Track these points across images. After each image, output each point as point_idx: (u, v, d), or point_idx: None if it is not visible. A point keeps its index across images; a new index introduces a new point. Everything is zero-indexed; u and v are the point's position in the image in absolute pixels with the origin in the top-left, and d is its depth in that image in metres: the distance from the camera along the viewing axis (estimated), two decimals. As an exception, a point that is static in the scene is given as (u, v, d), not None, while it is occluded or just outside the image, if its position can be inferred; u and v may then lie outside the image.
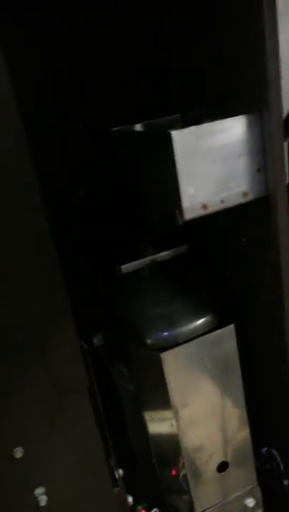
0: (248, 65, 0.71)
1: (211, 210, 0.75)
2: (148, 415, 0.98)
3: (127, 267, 0.97)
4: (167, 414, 0.95)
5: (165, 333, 0.91)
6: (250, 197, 0.77)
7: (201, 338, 0.90)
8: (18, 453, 0.75)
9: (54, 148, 1.12)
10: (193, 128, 0.71)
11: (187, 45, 0.86)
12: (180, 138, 0.70)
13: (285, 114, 0.75)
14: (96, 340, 1.06)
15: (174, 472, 1.03)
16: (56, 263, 0.69)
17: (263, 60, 0.68)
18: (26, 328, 0.69)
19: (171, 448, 0.99)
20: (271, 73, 0.69)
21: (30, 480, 0.79)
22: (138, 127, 0.94)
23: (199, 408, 0.96)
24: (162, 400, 0.93)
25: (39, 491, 0.80)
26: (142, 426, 0.99)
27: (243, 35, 0.71)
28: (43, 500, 0.80)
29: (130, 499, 0.96)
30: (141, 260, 0.98)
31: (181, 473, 1.01)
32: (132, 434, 1.00)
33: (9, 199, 0.65)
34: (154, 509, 1.08)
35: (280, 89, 0.71)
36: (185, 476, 1.00)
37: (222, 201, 0.76)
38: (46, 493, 0.80)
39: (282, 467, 1.02)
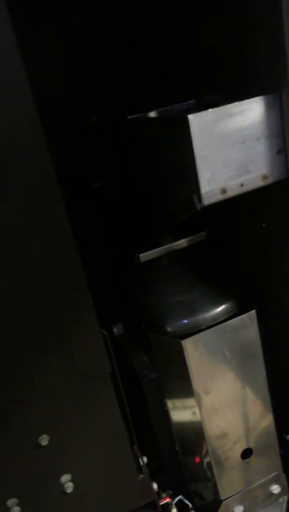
0: (265, 45, 0.69)
1: (230, 194, 0.74)
2: (170, 403, 0.98)
3: (145, 256, 0.96)
4: (190, 401, 0.95)
5: (185, 321, 0.90)
6: (270, 180, 0.76)
7: (222, 325, 0.90)
8: (44, 440, 0.76)
9: (69, 141, 1.13)
10: (210, 111, 0.70)
11: (202, 27, 0.84)
12: (197, 121, 0.69)
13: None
14: (116, 329, 1.07)
15: (197, 459, 1.03)
16: (77, 253, 0.70)
17: (280, 39, 0.66)
18: (50, 317, 0.70)
19: (194, 435, 0.99)
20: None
21: (56, 467, 0.80)
22: (153, 114, 0.93)
23: (222, 395, 0.95)
24: (185, 388, 0.93)
25: (65, 478, 0.81)
26: (165, 414, 0.99)
27: (260, 14, 0.69)
28: (69, 487, 0.81)
29: (155, 486, 0.97)
30: (159, 248, 0.97)
31: (205, 461, 1.01)
32: (155, 422, 1.00)
33: (30, 192, 0.65)
34: (179, 496, 1.08)
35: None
36: (209, 464, 1.00)
37: (241, 185, 0.75)
38: (72, 480, 0.81)
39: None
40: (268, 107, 0.72)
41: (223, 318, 0.90)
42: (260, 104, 0.71)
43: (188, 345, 0.88)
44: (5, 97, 0.61)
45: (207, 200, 0.73)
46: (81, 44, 1.11)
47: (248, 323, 0.91)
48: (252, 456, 1.02)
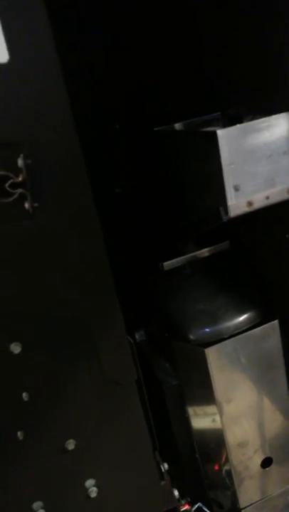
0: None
1: (256, 206, 0.76)
2: (192, 410, 0.99)
3: (169, 264, 0.98)
4: (211, 409, 0.96)
5: (208, 329, 0.92)
6: (295, 193, 0.77)
7: (244, 334, 0.91)
8: (71, 445, 0.78)
9: (91, 147, 1.15)
10: (238, 126, 0.71)
11: (229, 40, 0.86)
12: (225, 136, 0.70)
13: None
14: (138, 336, 1.08)
15: (217, 467, 1.04)
16: (106, 257, 0.71)
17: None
18: (78, 323, 0.72)
19: (214, 443, 1.00)
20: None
21: (81, 472, 0.81)
22: (178, 126, 0.95)
23: (243, 404, 0.96)
24: (206, 395, 0.94)
25: (90, 482, 0.82)
26: (186, 421, 1.00)
27: (284, 28, 0.71)
28: (93, 491, 0.83)
29: (176, 493, 0.98)
30: (183, 257, 0.99)
31: (225, 469, 1.02)
32: (176, 429, 1.01)
33: (63, 198, 0.67)
34: (198, 504, 1.09)
35: None
36: (229, 472, 1.01)
37: (267, 198, 0.76)
38: (96, 485, 0.82)
39: None
40: (295, 123, 0.73)
41: (245, 328, 0.91)
42: (287, 120, 0.73)
43: (211, 353, 0.89)
44: (44, 101, 0.63)
45: (233, 212, 0.75)
46: (108, 52, 1.14)
47: (271, 333, 0.92)
48: (272, 465, 1.03)
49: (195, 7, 0.93)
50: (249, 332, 0.91)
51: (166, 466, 0.96)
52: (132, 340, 0.78)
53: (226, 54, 0.87)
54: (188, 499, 1.08)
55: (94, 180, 1.10)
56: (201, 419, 1.00)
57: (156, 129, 0.93)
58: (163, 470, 0.94)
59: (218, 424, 0.97)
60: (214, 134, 0.70)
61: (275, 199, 0.77)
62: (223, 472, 1.03)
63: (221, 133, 0.70)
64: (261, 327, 0.91)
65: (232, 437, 0.98)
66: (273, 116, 0.72)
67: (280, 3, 0.70)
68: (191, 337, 0.91)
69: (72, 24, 1.04)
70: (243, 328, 0.91)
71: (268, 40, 0.74)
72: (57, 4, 0.94)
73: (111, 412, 0.79)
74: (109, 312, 0.74)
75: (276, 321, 0.91)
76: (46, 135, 0.64)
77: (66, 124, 0.65)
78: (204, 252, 1.00)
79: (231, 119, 0.92)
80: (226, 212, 0.75)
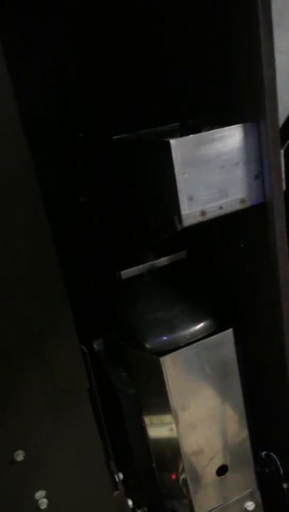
0: (245, 75, 0.73)
1: (209, 216, 0.77)
2: (148, 419, 0.99)
3: (127, 273, 0.98)
4: (167, 418, 0.96)
5: (164, 338, 0.92)
6: (247, 204, 0.79)
7: (200, 342, 0.91)
8: (19, 456, 0.76)
9: (55, 156, 1.14)
10: (191, 136, 0.72)
11: (187, 55, 0.88)
12: (179, 146, 0.71)
13: (281, 122, 0.77)
14: (96, 345, 1.08)
15: (173, 476, 1.04)
16: (58, 268, 0.71)
17: (259, 70, 0.70)
18: (28, 331, 0.71)
19: (170, 452, 1.00)
20: (267, 83, 0.70)
21: (31, 483, 0.80)
22: (137, 136, 0.95)
23: (199, 412, 0.97)
24: (162, 404, 0.94)
25: (40, 494, 0.81)
26: (142, 430, 1.00)
27: (239, 47, 0.73)
28: (43, 503, 0.81)
29: (130, 503, 0.97)
30: (141, 266, 0.99)
31: (181, 477, 1.02)
32: (132, 438, 1.01)
33: (12, 206, 0.66)
34: (154, 513, 1.08)
35: (276, 99, 0.73)
36: (185, 480, 1.01)
37: (220, 208, 0.77)
38: (47, 497, 0.81)
39: (281, 471, 1.02)
40: (247, 135, 0.75)
41: (201, 336, 0.92)
42: (240, 132, 0.75)
43: (167, 362, 0.89)
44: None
45: (187, 221, 0.76)
46: (71, 59, 1.14)
47: (226, 341, 0.93)
48: (227, 473, 1.03)
49: (159, 20, 0.94)
50: (204, 340, 0.91)
51: (120, 476, 0.95)
52: (85, 349, 0.77)
53: (188, 65, 0.89)
54: (145, 509, 1.08)
55: (58, 188, 1.10)
56: (158, 428, 0.99)
57: (114, 137, 0.94)
58: (117, 480, 0.93)
59: (174, 433, 0.97)
60: (168, 144, 0.71)
61: (228, 209, 0.78)
62: (180, 481, 1.03)
63: (174, 142, 0.71)
64: (216, 335, 0.92)
65: (188, 446, 0.98)
66: (226, 128, 0.74)
67: (236, 21, 0.71)
68: (147, 345, 0.91)
69: (35, 31, 1.04)
70: (199, 337, 0.92)
71: (228, 54, 0.76)
72: (21, 12, 0.94)
73: (62, 422, 0.77)
74: (61, 321, 0.73)
75: (230, 330, 0.93)
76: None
77: (15, 135, 0.64)
78: (162, 260, 1.00)
79: (190, 130, 0.94)
80: (180, 221, 0.75)
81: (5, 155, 0.65)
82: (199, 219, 0.76)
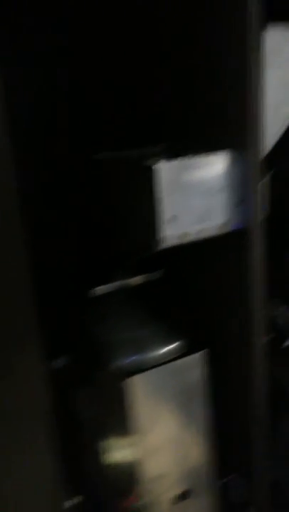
0: (234, 107, 0.74)
1: (188, 239, 0.77)
2: (108, 442, 0.96)
3: (100, 289, 0.96)
4: (128, 441, 0.93)
5: (131, 359, 0.90)
6: (228, 229, 0.79)
7: (168, 365, 0.90)
8: None
9: (34, 165, 1.13)
10: (177, 161, 0.72)
11: (177, 81, 0.88)
12: (164, 169, 0.71)
13: (265, 153, 0.78)
14: (59, 362, 1.04)
15: (133, 500, 1.01)
16: (28, 279, 0.67)
17: (247, 105, 0.71)
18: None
19: (130, 476, 0.97)
20: (254, 117, 0.72)
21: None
22: (122, 155, 0.94)
23: (161, 437, 0.95)
24: (124, 427, 0.92)
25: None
26: (101, 453, 0.97)
27: (231, 81, 0.74)
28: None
29: (85, 528, 0.93)
30: (114, 283, 0.97)
31: (141, 503, 0.99)
32: (90, 462, 0.98)
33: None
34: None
35: (260, 130, 0.74)
36: (144, 506, 0.98)
37: (200, 232, 0.77)
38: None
39: (245, 497, 1.02)
40: (231, 163, 0.76)
41: (169, 358, 0.91)
42: (224, 160, 0.75)
43: (132, 384, 0.87)
44: None
45: (166, 243, 0.75)
46: (55, 72, 1.13)
47: (194, 365, 0.92)
48: (189, 499, 1.01)
49: (149, 41, 0.95)
50: (172, 363, 0.90)
51: (76, 499, 0.92)
52: (48, 368, 0.74)
53: (177, 91, 0.89)
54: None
55: (33, 198, 1.08)
56: (118, 452, 0.97)
57: (96, 156, 0.93)
58: (73, 504, 0.90)
59: (134, 457, 0.94)
60: (152, 166, 0.70)
61: (208, 233, 0.78)
62: (139, 506, 1.00)
63: (159, 165, 0.70)
64: (184, 358, 0.91)
65: (148, 471, 0.96)
66: (211, 155, 0.75)
67: (229, 57, 0.73)
68: (114, 365, 0.89)
69: (17, 44, 1.03)
70: (167, 359, 0.90)
71: (218, 85, 0.77)
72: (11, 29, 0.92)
73: (16, 443, 0.73)
74: (26, 335, 0.69)
75: (200, 353, 0.92)
76: None
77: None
78: (137, 279, 0.99)
79: (174, 153, 0.94)
80: (160, 242, 0.75)
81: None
82: (179, 241, 0.76)
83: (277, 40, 0.77)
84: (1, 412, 0.70)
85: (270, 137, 0.79)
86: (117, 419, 0.92)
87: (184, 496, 1.01)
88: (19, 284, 0.67)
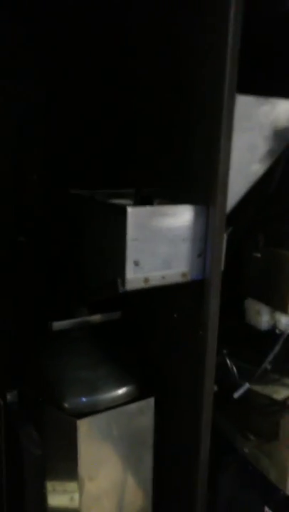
0: (202, 166, 0.80)
1: (151, 284, 0.79)
2: (51, 485, 0.92)
3: (58, 325, 0.96)
4: (71, 485, 0.90)
5: (84, 399, 0.89)
6: (188, 278, 0.83)
7: (119, 408, 0.90)
8: None
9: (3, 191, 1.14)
10: (147, 207, 0.77)
11: (153, 132, 0.94)
12: (134, 214, 0.75)
13: (228, 210, 0.84)
14: (9, 396, 1.01)
15: None
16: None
17: (215, 165, 0.77)
18: None
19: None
20: (220, 176, 0.78)
21: None
22: (93, 194, 0.98)
23: (106, 482, 0.93)
24: (69, 470, 0.89)
25: None
26: (42, 496, 0.93)
27: (201, 143, 0.80)
28: None
29: None
30: (73, 320, 0.98)
31: None
32: (29, 504, 0.93)
33: None
34: None
35: (227, 189, 0.80)
36: None
37: (163, 277, 0.81)
38: None
39: None
40: (197, 216, 0.81)
41: (122, 401, 0.90)
42: (191, 212, 0.80)
43: (83, 425, 0.86)
44: None
45: (130, 285, 0.77)
46: (38, 108, 1.17)
47: (145, 410, 0.92)
48: None
49: (127, 86, 1.01)
50: (125, 407, 0.90)
51: None
52: (1, 402, 0.72)
53: (152, 141, 0.95)
54: None
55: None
56: (59, 496, 0.93)
57: (72, 191, 0.96)
58: None
59: (75, 503, 0.91)
60: (124, 210, 0.74)
61: (169, 280, 0.82)
62: None
63: (130, 210, 0.74)
64: (137, 403, 0.91)
65: (88, 519, 0.92)
66: (179, 206, 0.79)
67: (201, 121, 0.79)
68: (66, 405, 0.88)
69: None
70: (120, 402, 0.90)
71: (190, 144, 0.83)
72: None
73: None
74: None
75: (152, 399, 0.92)
76: None
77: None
78: (95, 318, 1.00)
79: (143, 198, 0.98)
80: (123, 284, 0.77)
81: None
82: (142, 285, 0.78)
83: (246, 105, 0.85)
84: None
85: (232, 195, 0.85)
86: (64, 462, 0.89)
87: None
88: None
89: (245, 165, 0.88)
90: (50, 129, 1.18)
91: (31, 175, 1.25)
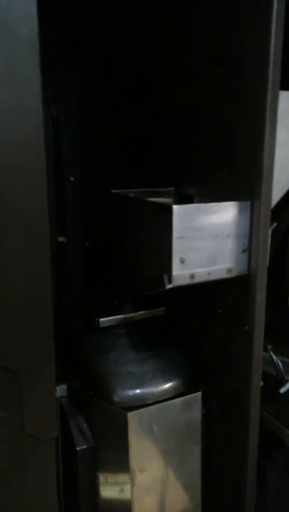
0: (247, 161, 0.80)
1: (197, 280, 0.81)
2: (103, 476, 0.96)
3: (104, 321, 0.99)
4: (123, 477, 0.93)
5: (133, 393, 0.92)
6: (233, 273, 0.84)
7: (168, 402, 0.92)
8: None
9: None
10: (192, 205, 0.78)
11: (194, 130, 0.95)
12: (179, 212, 0.76)
13: (272, 205, 0.84)
14: (59, 391, 1.05)
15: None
16: (51, 306, 0.70)
17: (260, 160, 0.77)
18: (6, 370, 0.69)
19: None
20: (265, 171, 0.78)
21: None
22: (136, 193, 1.00)
23: (156, 474, 0.95)
24: (120, 462, 0.92)
25: None
26: (94, 487, 0.96)
27: (247, 137, 0.80)
28: None
29: None
30: (119, 316, 1.00)
31: None
32: (83, 495, 0.96)
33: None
34: None
35: (271, 184, 0.80)
36: None
37: (208, 274, 0.82)
38: None
39: None
40: (241, 212, 0.81)
41: (170, 395, 0.92)
42: (235, 208, 0.81)
43: (133, 418, 0.89)
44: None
45: (176, 281, 0.79)
46: (75, 109, 1.21)
47: (193, 404, 0.94)
48: None
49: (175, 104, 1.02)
50: (173, 401, 0.92)
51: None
52: (58, 396, 0.76)
53: (194, 139, 0.96)
54: None
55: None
56: (111, 487, 0.96)
57: (114, 191, 0.98)
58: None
59: (127, 494, 0.94)
60: (170, 208, 0.76)
61: (215, 276, 0.83)
62: None
63: (176, 208, 0.76)
64: (186, 397, 0.93)
65: (140, 509, 0.95)
66: (223, 203, 0.80)
67: (245, 115, 0.80)
68: (115, 398, 0.91)
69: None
70: (168, 396, 0.92)
71: (235, 140, 0.83)
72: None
73: (24, 468, 0.74)
74: (42, 364, 0.72)
75: (199, 393, 0.94)
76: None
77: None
78: (140, 314, 1.02)
79: (182, 196, 1.00)
80: (170, 280, 0.79)
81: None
82: (188, 281, 0.80)
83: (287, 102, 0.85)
84: (12, 436, 0.71)
85: (276, 191, 0.85)
86: (115, 454, 0.92)
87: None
88: (40, 310, 0.70)
89: (287, 162, 0.88)
90: (86, 130, 1.22)
91: (69, 176, 1.29)
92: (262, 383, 0.99)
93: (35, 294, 0.68)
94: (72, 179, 1.31)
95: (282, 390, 1.02)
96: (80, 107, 1.24)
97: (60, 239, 1.31)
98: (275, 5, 0.70)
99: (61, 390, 1.05)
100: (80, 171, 1.28)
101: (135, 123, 1.13)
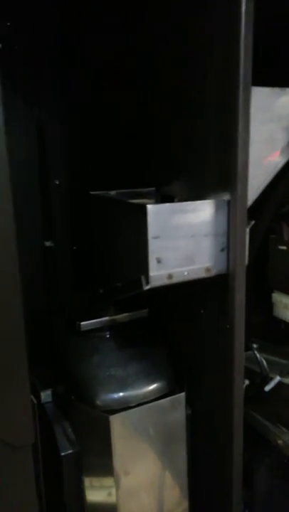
0: (222, 158, 0.80)
1: (175, 280, 0.80)
2: (88, 481, 0.95)
3: (86, 325, 0.98)
4: (108, 481, 0.92)
5: (115, 396, 0.91)
6: (212, 273, 0.83)
7: (151, 404, 0.91)
8: None
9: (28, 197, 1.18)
10: (167, 205, 0.77)
11: (171, 129, 0.95)
12: (154, 211, 0.76)
13: (249, 204, 0.84)
14: (44, 396, 1.04)
15: None
16: (21, 310, 0.69)
17: (235, 156, 0.77)
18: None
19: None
20: (240, 168, 0.78)
21: None
22: (115, 194, 1.00)
23: (141, 477, 0.94)
24: (105, 466, 0.91)
25: None
26: (80, 491, 0.95)
27: (220, 134, 0.80)
28: None
29: None
30: (101, 319, 1.00)
31: None
32: (68, 499, 0.95)
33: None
34: None
35: (247, 180, 0.80)
36: None
37: (186, 273, 0.81)
38: None
39: None
40: (218, 211, 0.81)
41: (153, 397, 0.92)
42: (211, 206, 0.80)
43: (116, 421, 0.88)
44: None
45: (154, 282, 0.78)
46: (58, 113, 1.21)
47: (177, 405, 0.93)
48: None
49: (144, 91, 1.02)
50: (156, 402, 0.91)
51: None
52: (35, 401, 0.75)
53: (170, 138, 0.95)
54: None
55: (24, 231, 1.12)
56: (97, 491, 0.95)
57: (92, 192, 0.98)
58: None
59: (113, 498, 0.93)
60: (144, 208, 0.75)
61: (193, 276, 0.82)
62: None
63: (150, 207, 0.75)
64: (168, 398, 0.92)
65: (125, 513, 0.94)
66: (199, 202, 0.80)
67: (219, 110, 0.79)
68: (98, 402, 0.90)
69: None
70: (151, 398, 0.91)
71: (209, 138, 0.83)
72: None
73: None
74: (15, 367, 0.71)
75: (183, 394, 0.93)
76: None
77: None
78: (123, 317, 1.01)
79: (164, 197, 0.99)
80: (147, 281, 0.78)
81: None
82: (166, 281, 0.79)
83: (262, 97, 0.84)
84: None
85: (253, 189, 0.85)
86: (99, 458, 0.91)
87: None
88: (11, 318, 0.69)
89: (264, 157, 0.88)
90: (70, 133, 1.21)
91: (54, 180, 1.28)
92: (247, 382, 0.99)
93: (4, 297, 0.67)
94: (57, 182, 1.30)
95: (267, 388, 1.02)
96: (65, 109, 1.23)
97: (48, 243, 1.30)
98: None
99: (46, 395, 1.04)
100: (65, 173, 1.27)
101: (118, 124, 1.12)
